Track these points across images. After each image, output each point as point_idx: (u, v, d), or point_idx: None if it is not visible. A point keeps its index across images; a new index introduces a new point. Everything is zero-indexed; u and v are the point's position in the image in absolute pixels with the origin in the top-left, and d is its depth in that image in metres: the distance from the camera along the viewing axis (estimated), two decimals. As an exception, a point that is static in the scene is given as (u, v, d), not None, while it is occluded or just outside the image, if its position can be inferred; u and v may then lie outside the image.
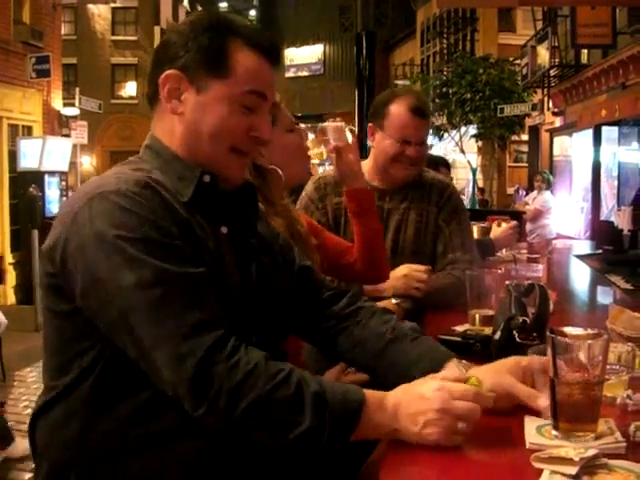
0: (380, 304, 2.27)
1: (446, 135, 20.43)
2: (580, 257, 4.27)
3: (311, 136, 2.20)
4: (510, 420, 1.29)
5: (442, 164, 4.59)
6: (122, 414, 1.25)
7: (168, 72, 1.34)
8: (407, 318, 2.25)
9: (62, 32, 13.63)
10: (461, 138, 19.94)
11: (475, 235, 3.42)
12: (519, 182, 19.29)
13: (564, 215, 12.67)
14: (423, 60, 29.41)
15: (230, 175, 1.40)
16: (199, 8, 33.06)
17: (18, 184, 10.12)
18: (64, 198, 11.21)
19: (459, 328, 2.01)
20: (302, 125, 2.08)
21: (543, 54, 14.85)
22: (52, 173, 10.44)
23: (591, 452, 1.07)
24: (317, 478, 1.47)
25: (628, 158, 11.76)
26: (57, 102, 12.28)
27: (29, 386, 5.40)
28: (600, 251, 4.62)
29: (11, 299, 9.85)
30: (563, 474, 1.05)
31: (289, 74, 35.28)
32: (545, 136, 17.37)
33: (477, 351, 1.72)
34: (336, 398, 1.18)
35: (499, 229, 3.66)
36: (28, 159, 10.16)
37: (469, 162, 20.28)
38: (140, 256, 1.18)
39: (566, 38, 13.86)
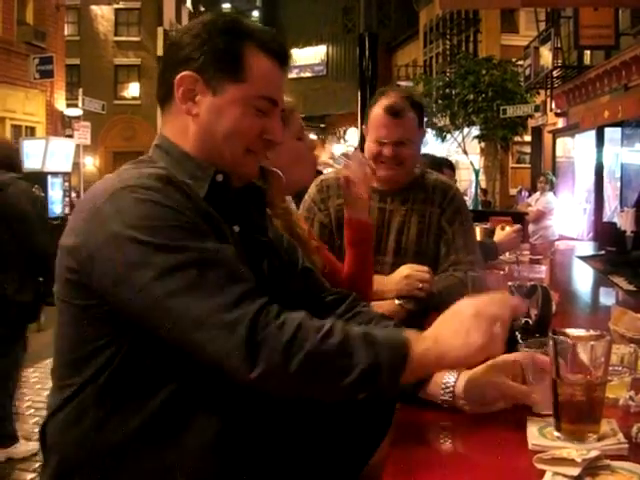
0: (383, 304, 2.28)
1: (449, 136, 20.42)
2: (583, 258, 4.27)
3: (313, 136, 2.21)
4: (512, 421, 1.29)
5: (446, 165, 4.57)
6: (135, 412, 1.25)
7: (184, 74, 1.35)
8: (410, 319, 2.26)
9: (65, 33, 13.66)
10: (464, 139, 19.93)
11: (478, 237, 3.42)
12: (522, 183, 19.27)
13: (567, 216, 12.65)
14: (426, 61, 29.41)
15: (245, 173, 1.43)
16: (202, 9, 33.12)
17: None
18: (67, 199, 11.23)
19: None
20: (313, 136, 2.09)
21: (546, 55, 14.84)
22: (55, 174, 10.45)
23: (593, 453, 1.08)
24: (319, 479, 1.47)
25: (631, 159, 11.76)
26: (60, 103, 12.31)
27: (32, 386, 5.40)
28: (603, 252, 4.62)
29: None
30: (565, 475, 1.05)
31: (292, 75, 35.22)
32: (548, 137, 17.37)
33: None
34: (381, 335, 1.23)
35: (503, 232, 3.65)
36: (31, 160, 10.17)
37: (472, 163, 20.27)
38: (171, 242, 1.19)
39: (569, 39, 13.87)
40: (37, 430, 3.76)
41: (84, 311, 1.28)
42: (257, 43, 1.37)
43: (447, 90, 19.93)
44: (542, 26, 16.25)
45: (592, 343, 1.18)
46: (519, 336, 1.65)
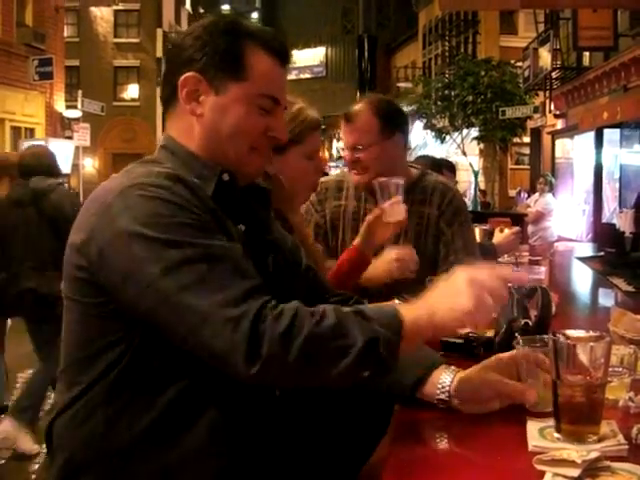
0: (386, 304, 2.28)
1: (448, 138, 20.43)
2: (582, 259, 4.27)
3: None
4: (512, 422, 1.29)
5: (446, 167, 4.57)
6: (144, 411, 1.26)
7: (187, 75, 1.36)
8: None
9: (65, 35, 13.66)
10: (463, 140, 19.95)
11: (477, 238, 3.42)
12: (521, 184, 19.27)
13: (566, 217, 12.66)
14: (425, 63, 29.43)
15: (250, 172, 1.44)
16: (201, 11, 33.14)
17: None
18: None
19: (461, 330, 2.01)
20: (330, 167, 2.12)
21: (545, 56, 14.85)
22: (54, 175, 10.43)
23: (593, 455, 1.08)
24: (318, 479, 1.48)
25: (630, 160, 11.76)
26: (60, 104, 12.32)
27: (32, 388, 5.40)
28: (602, 253, 4.62)
29: None
30: (565, 476, 1.05)
31: (291, 76, 35.22)
32: (547, 138, 17.38)
33: (479, 354, 1.72)
34: (372, 310, 1.24)
35: (501, 235, 3.65)
36: None
37: (471, 164, 20.29)
38: (178, 238, 1.20)
39: (568, 41, 13.87)
40: (37, 431, 3.74)
41: (93, 309, 1.29)
42: (258, 42, 1.39)
43: (446, 91, 19.94)
44: (541, 27, 16.26)
45: (592, 344, 1.18)
46: (519, 337, 1.66)
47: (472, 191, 20.12)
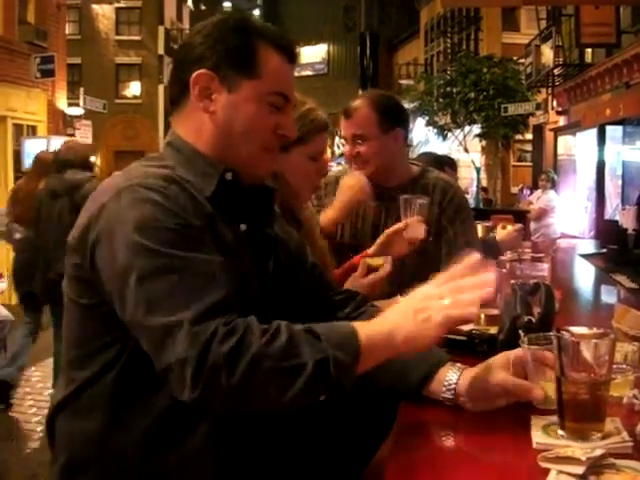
0: (387, 304, 2.28)
1: (450, 135, 20.41)
2: (585, 256, 4.27)
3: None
4: (516, 420, 1.29)
5: (447, 164, 4.56)
6: (143, 413, 1.26)
7: (199, 72, 1.36)
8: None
9: (66, 32, 13.66)
10: (465, 137, 19.92)
11: (479, 234, 3.41)
12: (523, 181, 19.25)
13: (568, 214, 12.64)
14: (427, 60, 29.39)
15: (260, 174, 1.44)
16: (203, 8, 33.11)
17: (22, 184, 10.13)
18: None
19: (464, 327, 2.01)
20: (331, 166, 2.11)
21: (547, 53, 14.83)
22: (57, 173, 10.43)
23: (598, 452, 1.07)
24: (323, 478, 1.47)
25: (632, 157, 11.73)
26: (61, 102, 12.32)
27: (34, 385, 5.41)
28: (605, 250, 4.61)
29: (15, 299, 9.86)
30: (570, 474, 1.05)
31: (293, 74, 35.14)
32: (549, 135, 17.34)
33: (482, 351, 1.72)
34: (325, 328, 1.18)
35: (504, 231, 3.65)
36: (33, 159, 10.17)
37: (473, 161, 20.26)
38: (158, 247, 1.19)
39: (570, 37, 13.84)
40: (39, 429, 3.77)
41: (89, 310, 1.30)
42: (267, 40, 1.39)
43: (448, 88, 19.91)
44: (543, 24, 16.23)
45: (596, 341, 1.18)
46: (522, 334, 1.65)
47: (474, 188, 20.09)
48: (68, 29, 15.99)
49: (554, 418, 1.23)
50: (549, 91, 16.25)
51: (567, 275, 3.75)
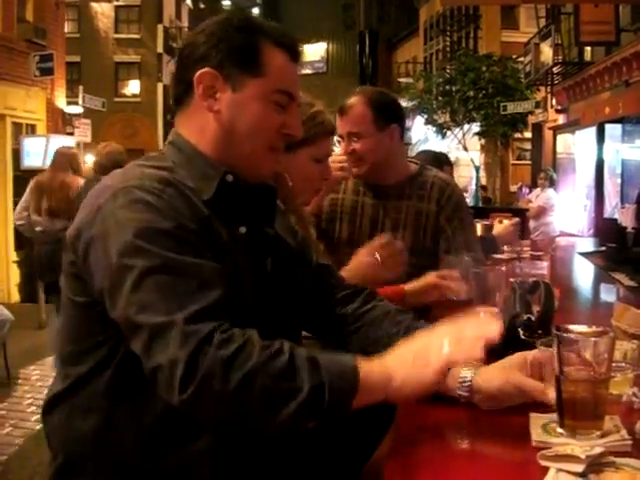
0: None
1: (449, 133, 20.41)
2: (584, 254, 4.27)
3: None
4: (515, 418, 1.29)
5: (445, 162, 4.56)
6: (140, 413, 1.26)
7: (203, 70, 1.35)
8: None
9: (65, 30, 13.63)
10: (464, 136, 19.94)
11: (478, 232, 3.42)
12: (522, 180, 19.25)
13: (567, 213, 12.64)
14: (426, 58, 29.39)
15: (263, 174, 1.43)
16: (202, 6, 33.07)
17: (22, 182, 10.12)
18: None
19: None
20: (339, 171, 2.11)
21: (546, 51, 14.83)
22: (55, 171, 10.41)
23: (597, 450, 1.07)
24: (321, 476, 1.47)
25: (631, 155, 11.73)
26: (61, 100, 12.29)
27: (33, 384, 5.40)
28: (604, 249, 4.61)
29: (15, 297, 9.86)
30: (569, 472, 1.05)
31: (292, 72, 35.10)
32: (548, 134, 17.35)
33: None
34: (328, 358, 1.17)
35: (501, 225, 3.67)
36: (32, 157, 10.16)
37: (472, 160, 20.27)
38: (153, 248, 1.18)
39: (569, 35, 13.85)
40: (38, 428, 3.77)
41: (84, 309, 1.30)
42: (271, 38, 1.38)
43: (447, 87, 19.94)
44: (542, 22, 16.24)
45: (595, 339, 1.18)
46: (521, 333, 1.65)
47: (473, 186, 20.10)
48: (67, 27, 15.96)
49: (553, 416, 1.23)
50: (548, 89, 16.25)
51: (566, 273, 3.75)
